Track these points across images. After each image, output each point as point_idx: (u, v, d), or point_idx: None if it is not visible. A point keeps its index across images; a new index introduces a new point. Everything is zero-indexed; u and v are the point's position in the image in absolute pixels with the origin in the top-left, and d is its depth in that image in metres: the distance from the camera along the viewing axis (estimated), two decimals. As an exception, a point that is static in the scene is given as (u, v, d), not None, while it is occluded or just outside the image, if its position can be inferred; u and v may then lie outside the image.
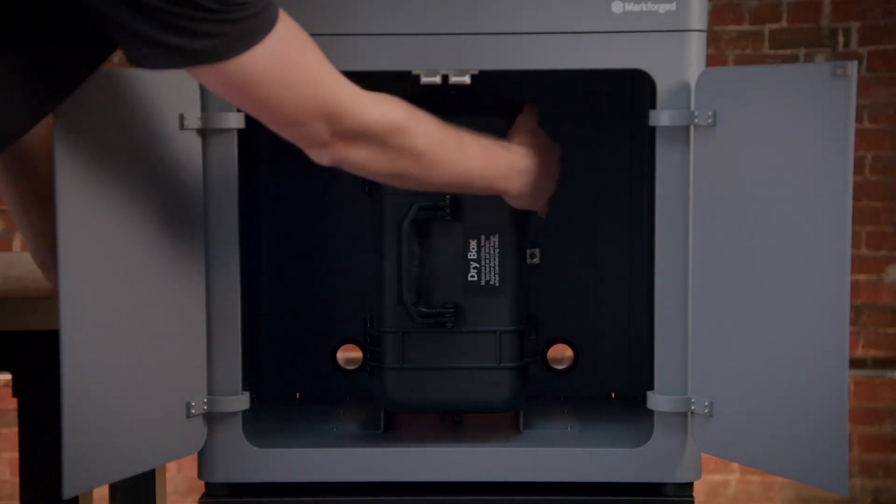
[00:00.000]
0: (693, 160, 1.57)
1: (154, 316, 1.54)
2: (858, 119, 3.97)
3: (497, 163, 1.59)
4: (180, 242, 1.57)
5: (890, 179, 4.02)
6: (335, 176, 1.62)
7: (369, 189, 1.70)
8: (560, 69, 1.60)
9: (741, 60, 4.02)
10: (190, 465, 3.79)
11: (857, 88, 1.40)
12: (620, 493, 1.64)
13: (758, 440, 1.54)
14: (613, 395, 1.96)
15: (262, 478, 1.64)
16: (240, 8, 1.32)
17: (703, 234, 1.57)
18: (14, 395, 1.93)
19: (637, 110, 1.79)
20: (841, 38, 4.01)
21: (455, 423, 1.79)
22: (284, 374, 1.97)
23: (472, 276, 1.69)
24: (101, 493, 2.49)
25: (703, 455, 1.64)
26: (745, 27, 4.04)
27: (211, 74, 1.36)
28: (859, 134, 3.87)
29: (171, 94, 1.54)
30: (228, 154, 1.59)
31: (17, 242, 4.05)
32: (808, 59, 4.00)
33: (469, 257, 1.69)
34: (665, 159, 1.58)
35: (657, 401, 1.61)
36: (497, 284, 1.69)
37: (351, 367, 1.97)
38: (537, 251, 1.73)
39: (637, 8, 1.57)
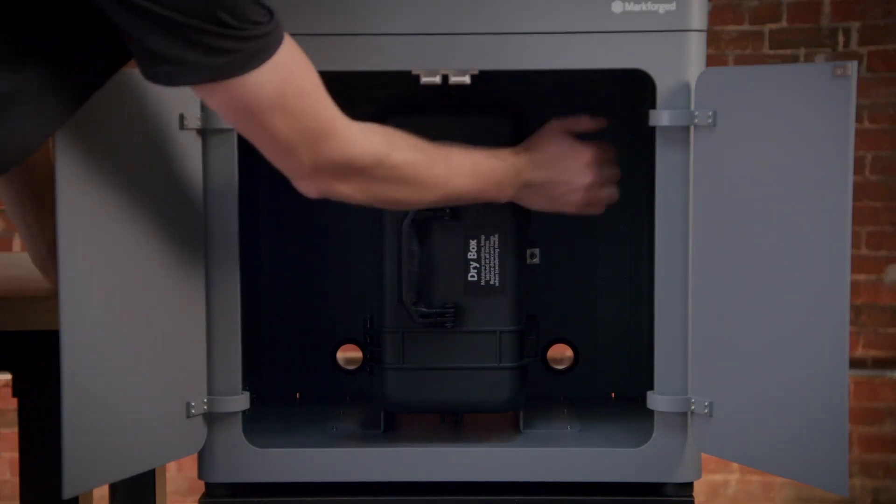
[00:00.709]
0: (693, 160, 1.57)
1: (154, 316, 1.54)
2: (858, 119, 3.97)
3: (486, 176, 1.59)
4: (180, 242, 1.57)
5: (890, 179, 4.02)
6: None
7: None
8: (560, 69, 1.60)
9: (741, 60, 4.02)
10: (190, 465, 3.79)
11: (857, 88, 1.40)
12: (620, 493, 1.64)
13: (758, 440, 1.54)
14: (613, 395, 1.96)
15: (262, 478, 1.64)
16: (255, 26, 1.33)
17: (703, 234, 1.57)
18: (14, 395, 1.93)
19: (637, 110, 1.79)
20: (841, 38, 4.01)
21: (455, 423, 1.79)
22: (284, 374, 1.97)
23: (472, 276, 1.69)
24: (101, 493, 2.49)
25: (703, 455, 1.64)
26: (745, 27, 4.04)
27: (217, 92, 1.36)
28: (859, 134, 3.87)
29: (171, 94, 1.54)
30: (228, 154, 1.59)
31: (16, 242, 4.05)
32: (808, 59, 4.00)
33: (469, 257, 1.69)
34: (665, 159, 1.58)
35: (657, 401, 1.61)
36: (497, 284, 1.69)
37: (351, 367, 1.97)
38: (537, 251, 1.73)
39: (637, 8, 1.57)
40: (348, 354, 1.98)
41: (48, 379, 1.60)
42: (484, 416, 1.81)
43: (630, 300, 1.94)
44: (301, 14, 1.56)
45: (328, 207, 1.81)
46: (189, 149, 1.57)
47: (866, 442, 4.07)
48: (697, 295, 1.58)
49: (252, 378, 1.76)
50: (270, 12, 1.35)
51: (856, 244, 3.97)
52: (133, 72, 1.46)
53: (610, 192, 1.67)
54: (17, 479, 1.98)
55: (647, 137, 1.68)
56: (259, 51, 1.34)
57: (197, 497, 1.69)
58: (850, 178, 1.41)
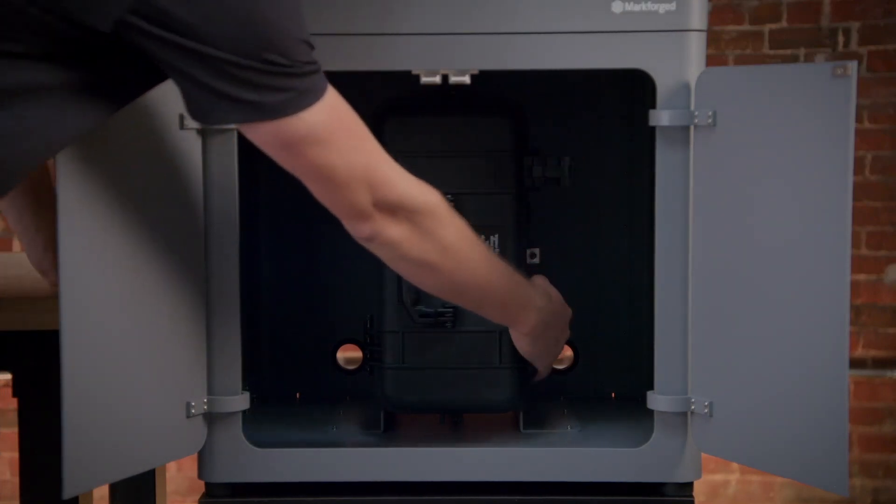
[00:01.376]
0: (693, 160, 1.57)
1: (154, 316, 1.54)
2: (858, 119, 3.96)
3: (519, 289, 1.61)
4: (180, 242, 1.57)
5: (890, 179, 4.02)
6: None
7: None
8: (560, 69, 1.60)
9: (741, 60, 4.02)
10: (190, 465, 3.79)
11: (857, 88, 1.40)
12: (620, 493, 1.64)
13: (758, 440, 1.54)
14: (613, 395, 1.96)
15: (262, 478, 1.64)
16: (304, 65, 1.33)
17: (703, 234, 1.57)
18: (14, 395, 1.93)
19: (637, 110, 1.79)
20: (841, 38, 4.01)
21: (455, 423, 1.79)
22: (284, 374, 1.97)
23: None
24: (101, 493, 2.49)
25: (703, 455, 1.64)
26: (745, 27, 4.04)
27: (268, 132, 1.36)
28: (859, 134, 3.87)
29: (171, 95, 1.54)
30: (228, 154, 1.59)
31: (17, 242, 4.05)
32: (808, 59, 4.00)
33: None
34: (665, 159, 1.58)
35: (657, 401, 1.61)
36: None
37: (351, 367, 1.97)
38: (537, 251, 1.73)
39: (637, 8, 1.57)
40: (348, 354, 1.98)
41: (48, 379, 1.60)
42: (484, 416, 1.81)
43: (630, 300, 1.94)
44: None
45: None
46: (189, 149, 1.57)
47: (866, 442, 4.07)
48: (697, 295, 1.58)
49: (252, 378, 1.76)
50: (312, 51, 1.36)
51: (856, 244, 3.97)
52: (133, 72, 1.46)
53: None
54: (17, 479, 1.98)
55: (647, 137, 1.68)
56: (310, 89, 1.35)
57: (197, 497, 1.69)
58: (850, 178, 1.41)
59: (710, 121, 1.55)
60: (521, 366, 1.70)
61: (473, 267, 1.53)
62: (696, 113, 1.56)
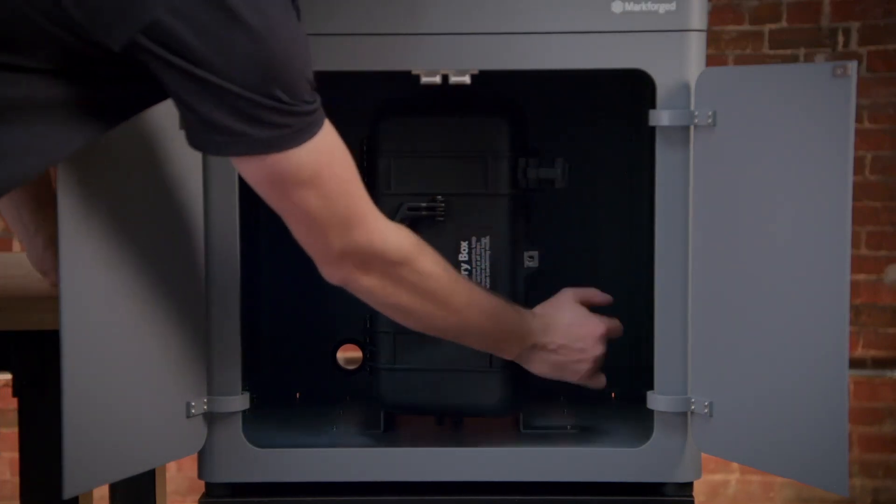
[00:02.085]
0: (693, 160, 1.57)
1: (154, 316, 1.54)
2: (858, 119, 3.96)
3: (504, 323, 1.60)
4: (180, 242, 1.57)
5: (890, 179, 4.02)
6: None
7: (368, 187, 1.69)
8: (560, 69, 1.60)
9: (741, 60, 4.02)
10: (190, 465, 3.79)
11: (857, 88, 1.40)
12: (620, 493, 1.64)
13: (758, 440, 1.54)
14: (613, 395, 1.96)
15: (262, 478, 1.64)
16: (304, 103, 1.34)
17: (703, 234, 1.57)
18: (14, 395, 1.93)
19: (637, 110, 1.79)
20: (841, 38, 4.01)
21: (455, 422, 1.79)
22: (284, 374, 1.97)
23: None
24: (101, 493, 2.49)
25: (703, 455, 1.64)
26: (745, 27, 4.04)
27: (258, 166, 1.36)
28: (859, 134, 3.87)
29: (171, 94, 1.54)
30: (228, 154, 1.59)
31: (17, 242, 4.04)
32: (808, 59, 4.00)
33: (460, 259, 1.68)
34: (665, 159, 1.58)
35: (657, 401, 1.61)
36: (488, 287, 1.68)
37: (351, 367, 1.97)
38: (536, 254, 1.73)
39: (637, 8, 1.57)
40: (348, 354, 1.98)
41: (48, 379, 1.60)
42: (482, 417, 1.80)
43: (630, 300, 1.94)
44: (301, 14, 1.56)
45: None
46: (189, 149, 1.56)
47: (866, 442, 4.06)
48: (697, 295, 1.58)
49: (252, 378, 1.76)
50: (316, 92, 1.36)
51: (856, 244, 3.97)
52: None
53: (602, 378, 1.70)
54: (17, 479, 1.98)
55: (647, 137, 1.68)
56: (306, 128, 1.35)
57: (197, 497, 1.69)
58: (850, 178, 1.41)
59: (710, 121, 1.54)
60: (514, 371, 1.70)
61: (452, 309, 1.54)
62: (696, 113, 1.56)
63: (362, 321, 1.76)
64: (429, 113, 1.70)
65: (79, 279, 1.45)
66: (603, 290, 1.95)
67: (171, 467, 3.91)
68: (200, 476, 1.66)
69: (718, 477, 4.08)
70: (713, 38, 3.92)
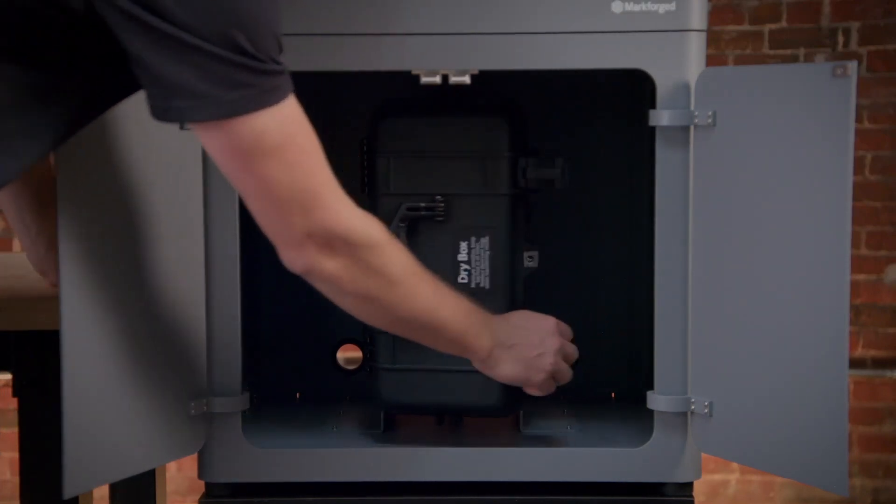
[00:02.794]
0: (693, 160, 1.57)
1: (154, 316, 1.54)
2: (858, 119, 3.96)
3: (473, 316, 1.54)
4: (180, 242, 1.57)
5: (890, 179, 4.02)
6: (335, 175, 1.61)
7: (367, 187, 1.70)
8: (560, 69, 1.60)
9: (741, 60, 4.02)
10: (190, 465, 3.79)
11: (857, 88, 1.40)
12: (620, 493, 1.64)
13: (758, 440, 1.54)
14: (613, 395, 1.96)
15: (262, 478, 1.64)
16: (270, 61, 1.28)
17: (703, 234, 1.57)
18: (14, 395, 1.93)
19: (637, 110, 1.79)
20: (841, 38, 4.01)
21: (455, 422, 1.79)
22: (284, 374, 1.97)
23: (463, 279, 1.68)
24: (101, 493, 2.48)
25: (703, 455, 1.64)
26: (745, 27, 4.04)
27: (222, 133, 1.30)
28: (859, 134, 3.87)
29: (171, 94, 1.54)
30: (228, 154, 1.59)
31: (17, 242, 4.05)
32: (808, 59, 4.00)
33: (459, 259, 1.68)
34: (665, 159, 1.58)
35: (657, 401, 1.61)
36: (487, 287, 1.68)
37: (351, 367, 1.97)
38: (536, 254, 1.73)
39: (637, 8, 1.57)
40: (348, 354, 1.98)
41: (48, 379, 1.60)
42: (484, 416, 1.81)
43: (630, 300, 1.94)
44: (302, 14, 1.56)
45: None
46: (189, 149, 1.57)
47: (866, 442, 4.06)
48: (697, 295, 1.58)
49: (252, 378, 1.76)
50: (281, 52, 1.31)
51: (856, 244, 3.97)
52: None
53: (567, 370, 1.64)
54: (17, 479, 1.98)
55: (647, 137, 1.68)
56: (272, 90, 1.29)
57: (197, 497, 1.69)
58: (850, 178, 1.41)
59: (709, 121, 1.55)
60: None
61: (419, 299, 1.47)
62: (696, 113, 1.56)
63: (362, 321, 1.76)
64: (428, 113, 1.70)
65: (79, 279, 1.45)
66: (603, 290, 1.96)
67: (171, 467, 3.91)
68: (200, 476, 1.66)
69: (718, 477, 4.08)
70: (713, 38, 3.92)
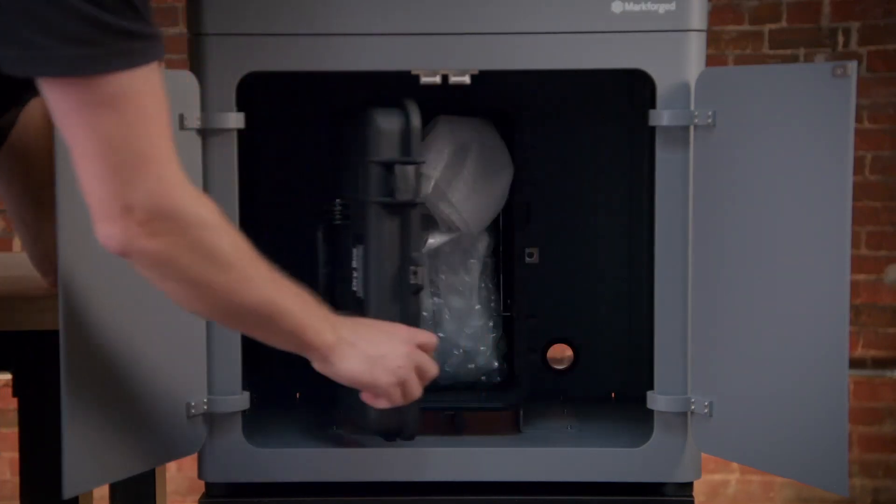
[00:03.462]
0: (693, 160, 1.57)
1: (154, 316, 1.54)
2: (858, 119, 3.96)
3: (313, 307, 1.43)
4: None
5: (890, 179, 4.02)
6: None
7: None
8: (560, 69, 1.60)
9: (741, 60, 4.02)
10: (190, 465, 3.79)
11: (857, 88, 1.40)
12: (620, 493, 1.64)
13: (758, 440, 1.54)
14: (613, 395, 1.96)
15: (262, 478, 1.64)
16: (125, 20, 1.19)
17: (703, 233, 1.57)
18: (14, 395, 1.93)
19: (637, 110, 1.79)
20: (841, 38, 4.01)
21: (455, 423, 1.78)
22: (284, 374, 1.97)
23: (354, 286, 1.65)
24: (101, 493, 2.48)
25: (703, 455, 1.64)
26: (745, 27, 4.04)
27: (63, 90, 1.20)
28: (859, 134, 3.86)
29: (171, 94, 1.54)
30: (228, 154, 1.59)
31: (17, 242, 4.04)
32: (808, 59, 4.00)
33: (353, 265, 1.66)
34: (665, 159, 1.58)
35: (657, 400, 1.61)
36: (362, 297, 1.64)
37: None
38: (536, 251, 1.73)
39: (637, 8, 1.57)
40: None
41: (48, 379, 1.60)
42: (483, 416, 1.80)
43: (630, 300, 1.94)
44: (301, 14, 1.56)
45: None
46: (189, 149, 1.57)
47: (866, 442, 4.06)
48: (697, 295, 1.58)
49: (252, 378, 1.76)
50: (149, 23, 1.23)
51: (856, 244, 3.97)
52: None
53: (418, 385, 1.51)
54: (17, 479, 1.98)
55: (647, 137, 1.68)
56: (124, 53, 1.20)
57: (197, 497, 1.69)
58: (850, 178, 1.41)
59: (709, 121, 1.54)
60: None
61: (254, 286, 1.35)
62: (696, 113, 1.56)
63: (362, 321, 1.76)
64: (431, 113, 1.70)
65: (79, 279, 1.45)
66: (603, 290, 1.96)
67: (171, 467, 3.91)
68: (200, 476, 1.66)
69: (718, 477, 4.08)
70: (713, 38, 3.92)
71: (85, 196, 1.26)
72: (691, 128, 1.57)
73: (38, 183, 1.69)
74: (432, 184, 1.67)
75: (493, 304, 1.78)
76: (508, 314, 1.79)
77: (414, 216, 1.60)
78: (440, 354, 1.77)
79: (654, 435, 1.62)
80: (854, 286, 3.95)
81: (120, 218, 1.25)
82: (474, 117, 1.72)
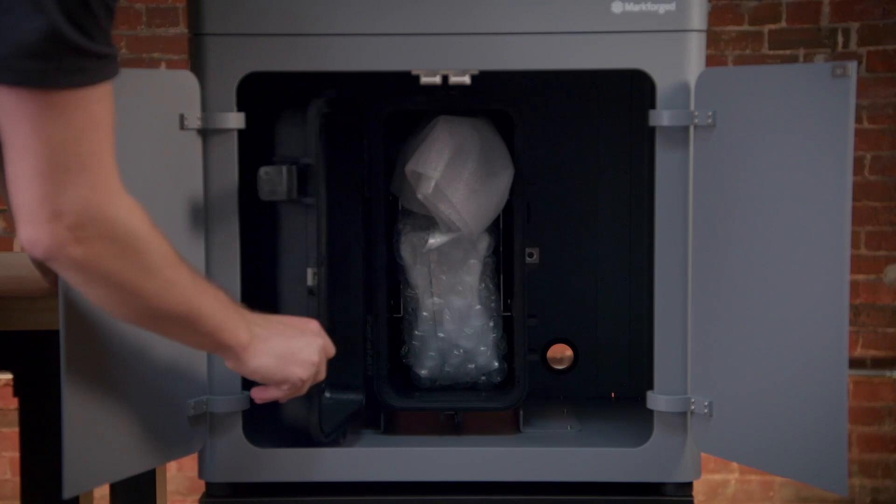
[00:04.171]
0: (693, 160, 1.57)
1: (154, 316, 1.54)
2: (858, 119, 3.96)
3: (229, 306, 1.46)
4: (180, 242, 1.57)
5: (889, 179, 4.02)
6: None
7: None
8: (560, 69, 1.60)
9: (741, 61, 4.02)
10: (190, 465, 3.79)
11: (856, 88, 1.40)
12: (620, 493, 1.64)
13: (758, 440, 1.54)
14: (613, 395, 1.96)
15: (262, 478, 1.64)
16: (92, 42, 1.20)
17: (703, 234, 1.57)
18: (14, 395, 1.93)
19: (637, 110, 1.79)
20: (840, 39, 4.01)
21: (455, 423, 1.79)
22: (284, 374, 1.96)
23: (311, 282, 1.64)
24: (102, 493, 2.49)
25: (702, 455, 1.64)
26: (745, 27, 4.04)
27: (22, 96, 1.19)
28: (859, 134, 3.86)
29: (171, 94, 1.54)
30: (228, 154, 1.59)
31: (17, 242, 4.04)
32: (808, 59, 4.00)
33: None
34: (665, 159, 1.58)
35: (657, 401, 1.61)
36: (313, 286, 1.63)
37: (351, 367, 1.96)
38: (536, 251, 1.73)
39: (637, 8, 1.57)
40: (348, 354, 1.98)
41: (48, 379, 1.60)
42: (484, 416, 1.81)
43: (630, 300, 1.94)
44: (301, 14, 1.56)
45: (328, 207, 1.81)
46: (189, 149, 1.57)
47: (866, 442, 4.06)
48: (697, 295, 1.58)
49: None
50: (108, 43, 1.23)
51: (855, 244, 3.97)
52: (133, 71, 1.45)
53: (323, 372, 1.55)
54: (17, 479, 1.98)
55: (647, 137, 1.68)
56: (81, 71, 1.21)
57: (197, 497, 1.69)
58: (850, 178, 1.41)
59: (709, 121, 1.55)
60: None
61: (178, 289, 1.37)
62: (696, 113, 1.56)
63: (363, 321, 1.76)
64: (431, 113, 1.71)
65: (79, 279, 1.45)
66: (603, 290, 1.96)
67: (171, 467, 3.91)
68: (200, 476, 1.66)
69: (718, 477, 4.08)
70: (713, 38, 3.92)
71: (12, 196, 1.25)
72: (691, 128, 1.57)
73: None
74: (432, 184, 1.67)
75: (493, 304, 1.78)
76: (508, 314, 1.79)
77: (310, 216, 1.59)
78: (440, 354, 1.77)
79: (654, 435, 1.62)
80: (853, 286, 3.95)
81: (47, 222, 1.24)
82: (474, 117, 1.72)
